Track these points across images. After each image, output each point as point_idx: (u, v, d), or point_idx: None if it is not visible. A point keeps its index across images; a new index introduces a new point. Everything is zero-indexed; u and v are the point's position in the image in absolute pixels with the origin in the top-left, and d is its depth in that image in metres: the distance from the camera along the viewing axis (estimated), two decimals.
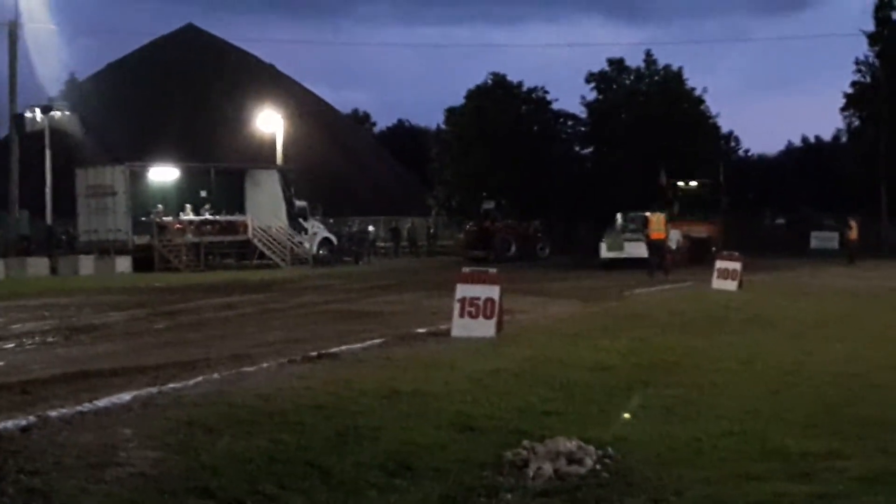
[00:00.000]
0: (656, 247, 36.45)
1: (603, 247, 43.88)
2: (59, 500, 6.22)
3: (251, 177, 51.71)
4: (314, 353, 12.95)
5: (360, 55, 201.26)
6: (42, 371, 12.43)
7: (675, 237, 41.52)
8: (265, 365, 12.16)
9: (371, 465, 7.13)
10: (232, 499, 6.34)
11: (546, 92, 69.88)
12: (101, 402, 9.38)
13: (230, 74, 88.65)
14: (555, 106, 70.43)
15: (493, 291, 15.16)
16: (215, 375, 11.24)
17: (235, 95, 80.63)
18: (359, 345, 14.29)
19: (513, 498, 6.51)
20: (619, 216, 45.78)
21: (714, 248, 45.61)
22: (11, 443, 7.62)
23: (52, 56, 55.97)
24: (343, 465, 7.13)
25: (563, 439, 7.45)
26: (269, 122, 60.31)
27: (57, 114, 48.75)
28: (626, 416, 7.29)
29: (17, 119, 48.75)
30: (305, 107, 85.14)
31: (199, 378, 10.98)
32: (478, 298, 15.07)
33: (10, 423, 8.31)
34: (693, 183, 50.72)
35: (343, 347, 13.88)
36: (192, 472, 6.88)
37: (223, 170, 52.79)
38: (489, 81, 69.21)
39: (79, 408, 9.13)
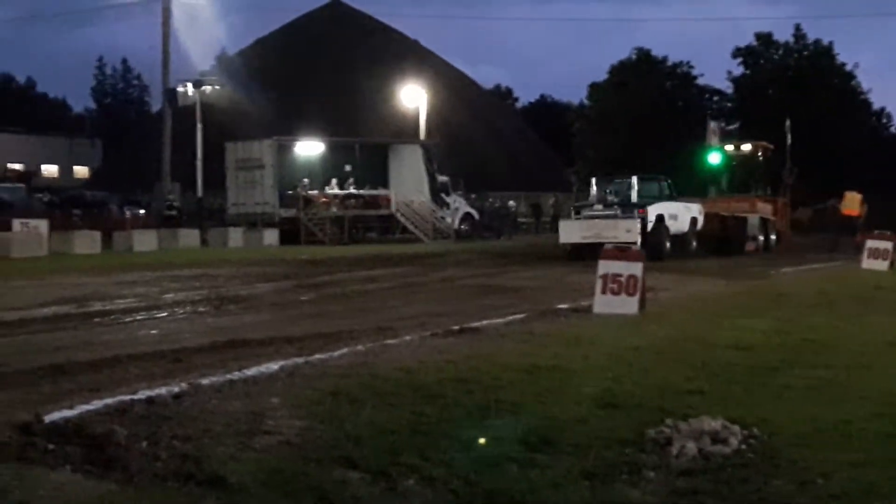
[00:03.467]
0: (845, 224, 34.54)
1: (563, 229, 32.26)
2: (210, 466, 6.37)
3: (394, 151, 52.15)
4: (456, 328, 13.03)
5: (498, 31, 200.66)
6: (193, 340, 12.79)
7: (687, 213, 33.27)
8: (408, 338, 12.29)
9: (512, 440, 7.15)
10: (375, 469, 6.42)
11: (691, 67, 69.00)
12: (250, 371, 9.61)
13: (375, 49, 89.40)
14: (700, 81, 69.49)
15: (636, 268, 15.03)
16: (359, 347, 11.40)
17: (380, 70, 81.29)
18: (500, 319, 14.32)
19: (655, 476, 6.46)
20: (593, 181, 34.74)
21: (759, 236, 37.31)
22: (165, 409, 7.87)
23: (203, 31, 57.28)
24: (484, 439, 7.17)
25: (707, 418, 7.37)
26: (413, 97, 60.72)
27: (208, 88, 49.89)
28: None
29: (170, 94, 50.09)
30: (448, 82, 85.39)
31: (344, 349, 11.16)
32: (620, 275, 14.96)
33: (163, 390, 8.58)
34: (745, 147, 40.36)
35: (484, 322, 13.93)
36: (336, 442, 7.00)
37: (367, 144, 53.40)
38: (633, 56, 68.57)
39: (228, 376, 9.36)
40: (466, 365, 10.09)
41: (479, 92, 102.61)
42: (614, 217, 31.03)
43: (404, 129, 62.51)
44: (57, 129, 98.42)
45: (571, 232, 31.51)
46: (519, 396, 8.58)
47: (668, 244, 31.30)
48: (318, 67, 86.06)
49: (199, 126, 48.18)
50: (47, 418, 7.35)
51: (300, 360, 10.34)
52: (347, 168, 49.08)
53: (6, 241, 34.41)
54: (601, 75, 69.62)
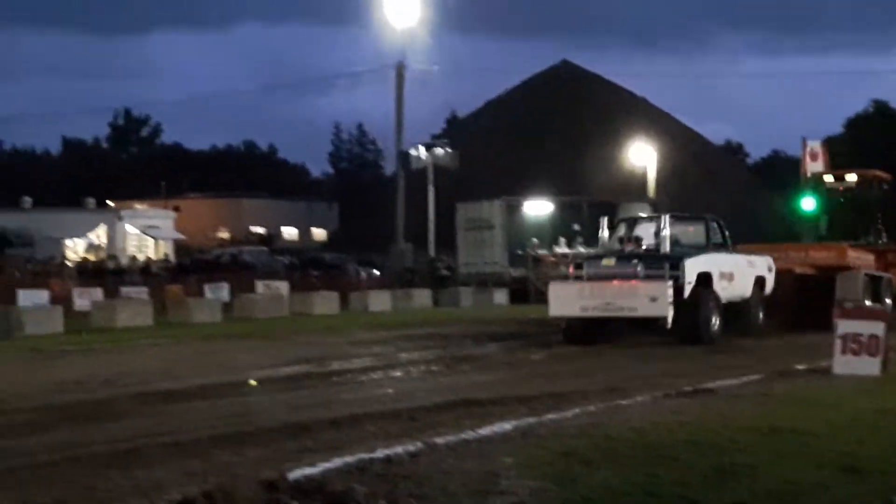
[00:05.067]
0: None
1: (554, 294, 21.84)
2: None
3: (623, 210, 51.88)
4: (689, 388, 12.85)
5: (727, 87, 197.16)
6: (427, 399, 12.99)
7: (750, 272, 23.44)
8: (640, 398, 12.20)
9: None
10: None
11: None
12: (483, 431, 9.72)
13: (603, 108, 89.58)
14: None
15: (878, 328, 14.52)
16: (591, 407, 11.38)
17: (608, 128, 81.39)
18: (734, 380, 14.06)
19: None
20: (603, 223, 23.39)
21: (863, 299, 24.66)
22: (401, 467, 8.05)
23: (435, 96, 58.87)
24: (721, 502, 7.05)
25: None
26: (641, 155, 60.49)
27: (439, 151, 50.99)
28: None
29: (403, 156, 51.46)
30: (677, 138, 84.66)
31: (576, 409, 11.16)
32: (861, 335, 14.47)
33: (400, 449, 8.78)
34: (850, 177, 30.28)
35: (718, 383, 13.69)
36: None
37: (595, 203, 53.33)
38: (870, 109, 66.50)
39: (462, 435, 9.50)
40: (700, 426, 9.94)
41: (708, 148, 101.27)
42: (632, 276, 20.94)
43: (633, 187, 62.26)
44: (296, 193, 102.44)
45: (567, 299, 21.39)
46: (756, 459, 8.39)
47: (716, 319, 21.13)
48: (546, 127, 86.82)
49: (430, 188, 49.25)
50: (291, 476, 7.62)
51: (532, 419, 10.39)
52: (576, 227, 49.14)
53: (250, 302, 35.88)
54: (836, 129, 67.83)
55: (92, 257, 67.26)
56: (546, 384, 14.43)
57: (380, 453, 8.61)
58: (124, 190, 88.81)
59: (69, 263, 59.61)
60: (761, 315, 23.69)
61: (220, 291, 40.12)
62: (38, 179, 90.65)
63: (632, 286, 20.62)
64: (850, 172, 30.67)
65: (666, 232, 21.47)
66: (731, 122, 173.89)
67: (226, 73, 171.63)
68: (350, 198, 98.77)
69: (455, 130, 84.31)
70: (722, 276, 21.87)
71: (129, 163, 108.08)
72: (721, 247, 23.02)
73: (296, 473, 7.75)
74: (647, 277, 20.75)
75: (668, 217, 21.91)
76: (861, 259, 26.61)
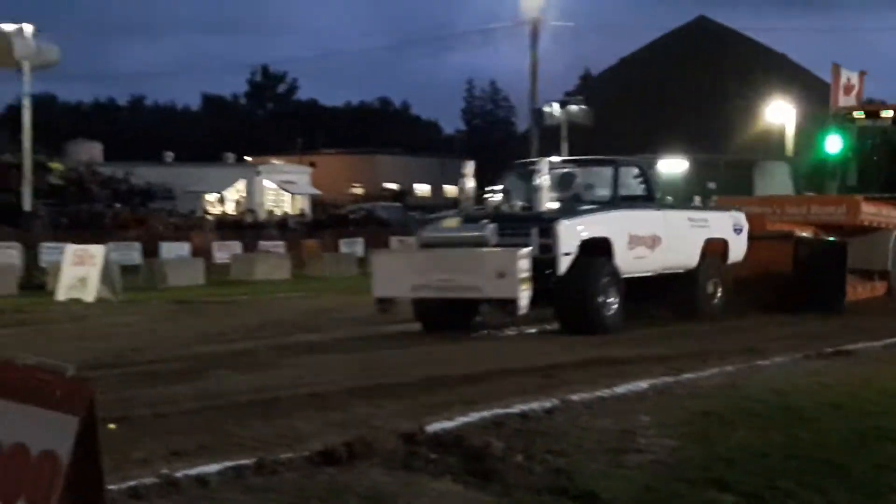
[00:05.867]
0: None
1: (379, 269, 16.54)
2: (583, 482, 6.49)
3: (760, 169, 50.96)
4: (829, 350, 12.66)
5: (870, 42, 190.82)
6: (562, 355, 12.94)
7: (693, 235, 17.71)
8: (778, 359, 12.07)
9: (893, 469, 6.88)
10: (749, 493, 6.34)
11: None
12: (619, 389, 9.73)
13: (741, 65, 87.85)
14: None
15: None
16: (728, 368, 11.28)
17: (746, 85, 79.82)
18: (876, 342, 13.78)
19: None
20: (467, 166, 17.91)
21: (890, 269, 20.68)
22: (538, 423, 8.11)
23: (569, 52, 58.35)
24: (862, 467, 6.92)
25: None
26: (779, 112, 59.16)
27: (573, 108, 50.69)
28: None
29: (537, 113, 51.28)
30: (817, 95, 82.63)
31: (714, 369, 11.09)
32: None
33: (536, 405, 8.84)
34: (886, 113, 23.60)
35: (860, 345, 13.43)
36: (708, 463, 6.96)
37: (731, 161, 52.54)
38: None
39: (598, 393, 9.52)
40: (841, 389, 9.78)
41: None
42: (477, 243, 15.20)
43: (771, 145, 61.00)
44: (429, 150, 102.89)
45: (395, 275, 15.96)
46: None
47: (613, 301, 15.58)
48: (682, 84, 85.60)
49: (564, 145, 49.04)
50: (429, 429, 7.74)
51: (669, 378, 10.35)
52: (711, 185, 48.45)
53: None
54: None
55: (230, 211, 68.79)
56: (683, 343, 14.31)
57: (516, 409, 8.69)
58: (261, 145, 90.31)
59: (209, 217, 61.08)
60: (718, 290, 18.07)
61: (354, 246, 40.77)
62: (178, 135, 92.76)
63: (474, 257, 15.03)
64: (885, 108, 24.32)
65: (541, 182, 15.44)
66: (873, 79, 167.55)
67: (361, 30, 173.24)
68: (482, 155, 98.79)
69: (589, 87, 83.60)
70: (633, 240, 16.14)
71: (266, 119, 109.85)
72: (642, 200, 17.08)
73: (434, 427, 7.87)
74: (503, 245, 14.99)
75: (547, 161, 16.11)
76: (881, 216, 20.91)
